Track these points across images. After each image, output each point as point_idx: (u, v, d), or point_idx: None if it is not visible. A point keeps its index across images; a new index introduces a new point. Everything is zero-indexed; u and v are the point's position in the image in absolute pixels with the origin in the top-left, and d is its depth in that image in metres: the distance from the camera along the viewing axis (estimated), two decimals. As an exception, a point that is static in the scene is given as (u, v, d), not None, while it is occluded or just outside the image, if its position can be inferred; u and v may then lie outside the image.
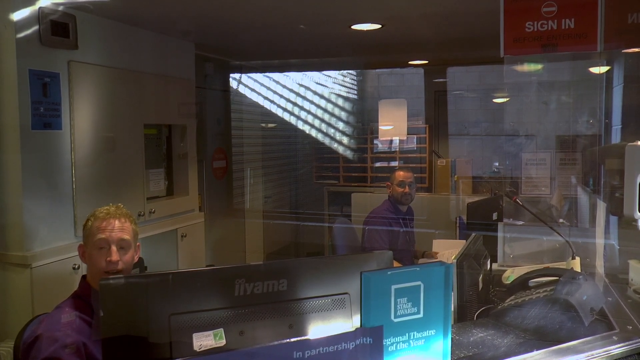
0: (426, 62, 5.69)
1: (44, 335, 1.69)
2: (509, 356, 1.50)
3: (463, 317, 1.91)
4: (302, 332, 1.26)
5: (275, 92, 6.24)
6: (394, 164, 6.75)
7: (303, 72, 6.59)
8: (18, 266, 2.73)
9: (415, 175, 3.81)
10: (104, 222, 1.87)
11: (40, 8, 2.77)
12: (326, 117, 7.12)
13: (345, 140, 7.20)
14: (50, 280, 2.81)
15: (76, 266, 2.94)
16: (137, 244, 1.96)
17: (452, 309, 1.23)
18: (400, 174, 3.69)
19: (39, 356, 1.66)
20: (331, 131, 7.15)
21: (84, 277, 1.92)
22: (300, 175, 6.89)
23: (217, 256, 4.63)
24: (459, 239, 4.22)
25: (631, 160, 1.74)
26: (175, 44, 3.93)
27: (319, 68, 6.53)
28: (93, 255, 1.86)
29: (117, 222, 1.87)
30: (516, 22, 1.96)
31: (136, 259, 1.95)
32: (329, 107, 7.18)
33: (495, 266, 2.65)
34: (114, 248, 1.84)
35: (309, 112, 6.86)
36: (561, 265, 2.38)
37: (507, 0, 1.99)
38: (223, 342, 1.20)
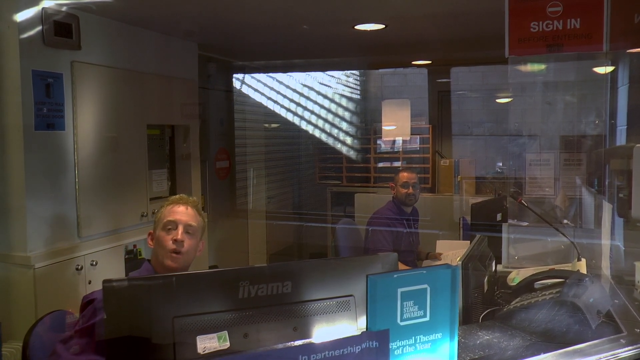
0: (429, 62, 5.68)
1: (98, 300, 1.71)
2: (516, 359, 1.49)
3: (468, 319, 1.89)
4: (306, 334, 1.25)
5: (278, 93, 6.23)
6: (397, 164, 6.74)
7: (306, 73, 6.58)
8: (21, 267, 2.72)
9: (418, 175, 3.80)
10: (175, 206, 1.96)
11: (43, 8, 2.76)
12: (329, 117, 7.11)
13: (348, 140, 7.19)
14: (54, 281, 2.81)
15: (79, 267, 2.94)
16: (202, 240, 2.02)
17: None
18: (404, 175, 3.67)
19: (88, 322, 1.68)
20: (334, 131, 7.14)
21: (147, 260, 1.98)
22: (303, 175, 6.88)
23: (220, 256, 4.63)
24: (463, 239, 4.21)
25: (639, 162, 1.72)
26: (178, 45, 3.93)
27: (322, 68, 6.52)
28: (160, 236, 1.92)
29: (187, 208, 1.96)
30: (521, 22, 1.95)
31: (199, 254, 2.00)
32: (332, 107, 7.16)
33: (499, 267, 2.64)
34: (180, 228, 1.91)
35: (312, 112, 6.85)
36: (567, 266, 2.37)
37: (512, 0, 1.98)
38: (227, 344, 1.20)
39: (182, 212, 1.94)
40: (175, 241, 1.89)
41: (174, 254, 1.89)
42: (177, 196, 2.03)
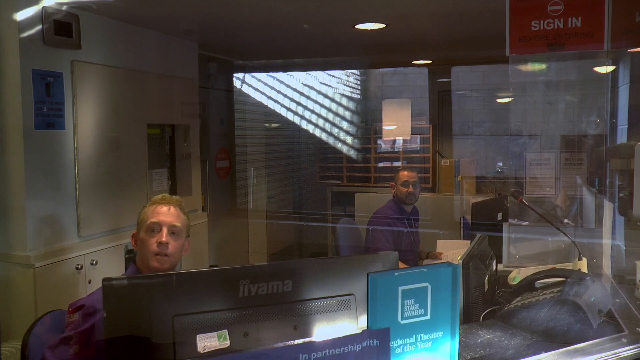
0: (430, 61, 5.68)
1: (87, 306, 1.71)
2: (518, 358, 1.49)
3: (469, 318, 1.89)
4: (306, 333, 1.25)
5: (278, 92, 6.23)
6: (398, 164, 6.74)
7: (307, 72, 6.58)
8: (21, 266, 2.72)
9: (418, 175, 3.79)
10: (158, 206, 1.90)
11: (43, 8, 2.76)
12: (330, 117, 7.11)
13: (348, 140, 7.19)
14: (54, 280, 2.80)
15: (79, 266, 2.94)
16: (188, 239, 1.97)
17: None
18: (404, 174, 3.67)
19: (78, 328, 1.68)
20: (335, 131, 7.14)
21: (133, 262, 1.94)
22: (304, 175, 6.88)
23: (221, 256, 4.62)
24: (463, 239, 4.21)
25: (640, 160, 1.72)
26: (179, 44, 3.92)
27: (323, 68, 6.52)
28: (144, 239, 1.87)
29: (170, 208, 1.91)
30: (522, 21, 1.95)
31: (185, 253, 1.95)
32: (333, 106, 7.16)
33: (500, 267, 2.63)
34: (165, 230, 1.86)
35: (312, 112, 6.85)
36: (567, 266, 2.37)
37: (512, -1, 1.98)
38: (227, 343, 1.19)
39: (165, 213, 1.88)
40: (160, 244, 1.84)
41: (159, 255, 1.84)
42: (160, 196, 1.96)
